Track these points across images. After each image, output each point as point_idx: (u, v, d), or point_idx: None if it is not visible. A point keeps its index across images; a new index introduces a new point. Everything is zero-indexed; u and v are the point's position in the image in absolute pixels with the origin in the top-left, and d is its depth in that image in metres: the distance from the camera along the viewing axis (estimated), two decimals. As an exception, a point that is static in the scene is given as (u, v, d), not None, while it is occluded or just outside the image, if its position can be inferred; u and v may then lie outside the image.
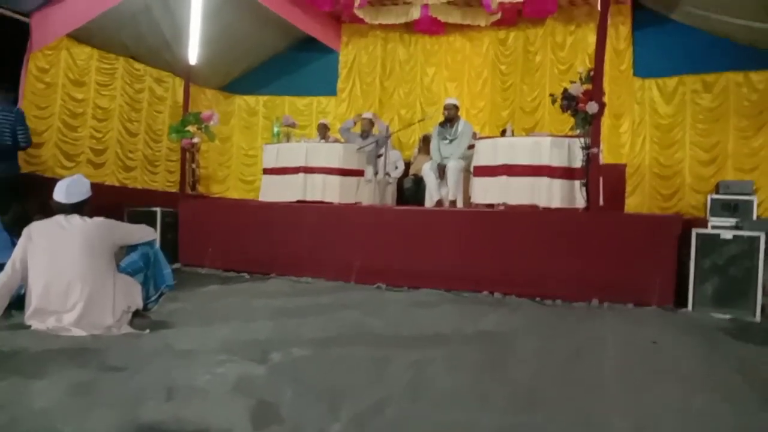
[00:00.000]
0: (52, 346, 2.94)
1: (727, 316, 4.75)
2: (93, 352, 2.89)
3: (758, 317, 4.73)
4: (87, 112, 8.01)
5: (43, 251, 3.27)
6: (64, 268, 3.23)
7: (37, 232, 3.33)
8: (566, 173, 5.79)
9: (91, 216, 3.44)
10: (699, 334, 4.12)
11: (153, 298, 3.71)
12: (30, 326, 3.26)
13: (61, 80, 7.63)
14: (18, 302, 3.41)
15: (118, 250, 3.54)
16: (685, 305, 4.95)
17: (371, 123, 8.31)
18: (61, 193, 3.38)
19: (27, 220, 3.55)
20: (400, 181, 8.20)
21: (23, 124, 6.08)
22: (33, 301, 3.26)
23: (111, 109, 8.32)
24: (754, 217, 6.48)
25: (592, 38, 7.70)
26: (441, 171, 6.85)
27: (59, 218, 3.35)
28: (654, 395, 2.59)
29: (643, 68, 8.39)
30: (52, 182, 3.65)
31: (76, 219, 3.34)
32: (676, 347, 3.64)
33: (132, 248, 3.65)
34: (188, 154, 7.40)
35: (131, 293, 3.46)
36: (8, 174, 5.88)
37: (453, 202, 6.76)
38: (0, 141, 5.85)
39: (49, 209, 3.43)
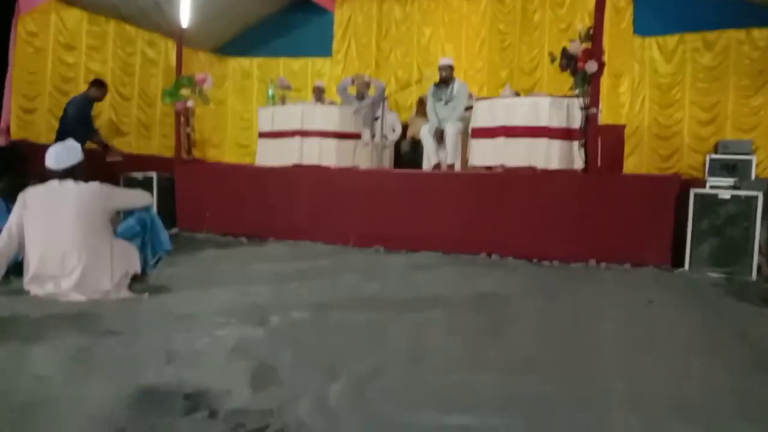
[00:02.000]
0: (51, 312, 2.95)
1: (724, 276, 4.77)
2: (92, 317, 2.90)
3: (754, 276, 4.77)
4: (79, 77, 7.88)
5: (38, 217, 3.27)
6: (61, 233, 3.22)
7: (32, 199, 3.32)
8: (565, 134, 5.74)
9: (86, 180, 3.41)
10: (696, 294, 4.16)
11: (151, 263, 3.71)
12: (29, 292, 3.27)
13: (51, 44, 7.49)
14: (16, 268, 3.41)
15: (114, 215, 3.53)
16: (682, 265, 4.98)
17: (367, 84, 8.19)
18: (51, 160, 3.36)
19: (21, 188, 3.52)
20: (397, 145, 8.13)
21: (80, 107, 6.65)
22: (31, 268, 3.26)
23: (103, 73, 8.17)
24: (753, 177, 6.47)
25: (591, -4, 7.54)
26: (439, 135, 6.76)
27: (53, 183, 3.33)
28: (651, 357, 2.61)
29: (643, 26, 8.24)
30: (44, 149, 3.60)
31: (70, 184, 3.32)
32: (672, 308, 3.67)
33: (128, 213, 3.64)
34: (183, 118, 7.31)
35: (129, 258, 3.46)
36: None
37: (451, 166, 6.70)
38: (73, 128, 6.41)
39: (43, 176, 3.40)
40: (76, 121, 6.59)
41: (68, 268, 3.21)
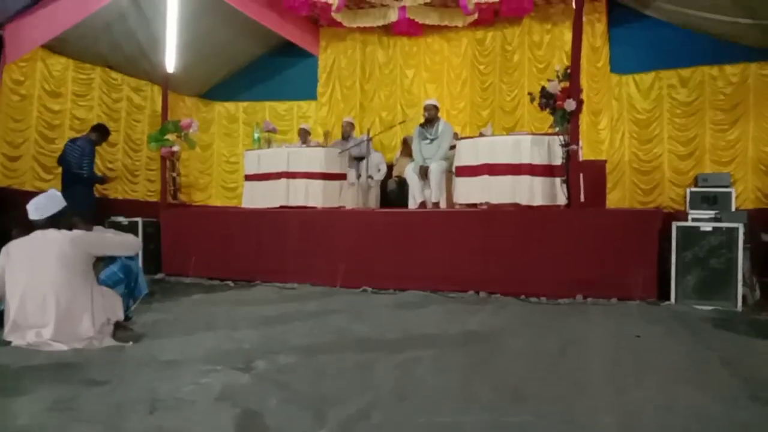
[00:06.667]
0: (32, 362, 2.90)
1: (710, 307, 4.80)
2: (74, 367, 2.85)
3: (740, 307, 4.80)
4: (64, 124, 7.91)
5: (20, 266, 3.25)
6: (41, 282, 3.20)
7: (15, 249, 3.32)
8: (547, 171, 5.82)
9: (70, 228, 3.40)
10: (683, 326, 4.16)
11: (132, 308, 3.69)
12: (10, 342, 3.21)
13: (37, 92, 7.53)
14: (-1, 319, 3.36)
15: (96, 261, 3.50)
16: (668, 298, 5.01)
17: (352, 126, 8.30)
18: (32, 211, 3.39)
19: (4, 235, 3.51)
20: (383, 184, 8.20)
21: (87, 155, 6.89)
22: (11, 316, 3.23)
23: (89, 120, 8.21)
24: (733, 208, 6.57)
25: (568, 36, 7.76)
26: (423, 172, 6.85)
27: (37, 233, 3.34)
28: (639, 391, 2.60)
29: (619, 64, 8.47)
30: (29, 196, 3.62)
31: (52, 233, 3.32)
32: (660, 341, 3.67)
33: (111, 259, 3.61)
34: (168, 162, 7.35)
35: (111, 305, 3.42)
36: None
37: (436, 204, 6.77)
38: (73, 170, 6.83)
39: (27, 224, 3.41)
40: (77, 164, 6.79)
41: (48, 315, 3.17)
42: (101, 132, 7.25)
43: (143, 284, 3.75)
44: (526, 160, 5.84)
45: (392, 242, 5.91)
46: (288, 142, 8.52)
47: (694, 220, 5.70)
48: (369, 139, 7.37)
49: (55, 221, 3.37)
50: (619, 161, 8.41)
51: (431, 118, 7.02)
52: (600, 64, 8.49)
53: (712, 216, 5.80)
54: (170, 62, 7.56)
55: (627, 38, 8.39)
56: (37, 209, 3.37)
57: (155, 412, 2.22)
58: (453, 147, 6.85)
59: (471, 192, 6.18)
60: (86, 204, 6.59)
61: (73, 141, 7.05)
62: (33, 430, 2.05)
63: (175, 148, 7.29)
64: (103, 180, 7.60)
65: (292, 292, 5.80)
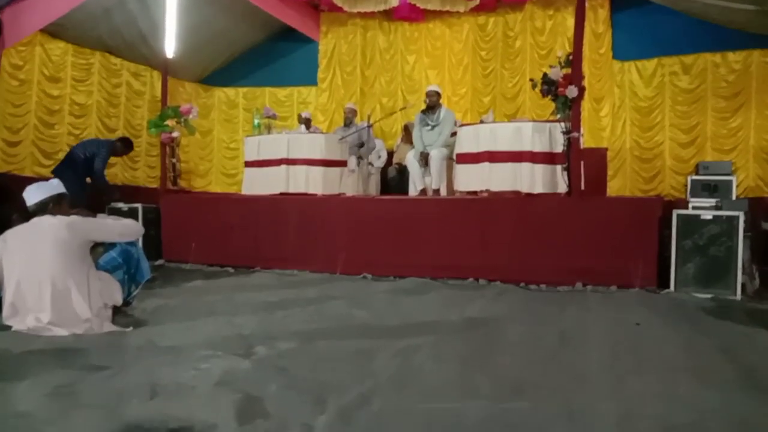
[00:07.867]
0: (32, 347, 2.91)
1: (709, 296, 4.81)
2: (75, 352, 2.86)
3: (739, 295, 4.80)
4: (64, 109, 7.89)
5: (17, 252, 3.26)
6: (37, 266, 3.21)
7: (12, 236, 3.34)
8: (548, 158, 5.79)
9: (67, 213, 3.40)
10: (682, 315, 4.17)
11: (134, 293, 3.70)
12: (10, 327, 3.23)
13: (36, 77, 7.51)
14: (-1, 305, 3.37)
15: (95, 246, 3.50)
16: (668, 286, 5.01)
17: (354, 112, 8.27)
18: (25, 197, 3.41)
19: (5, 220, 3.52)
20: (383, 171, 8.18)
21: (103, 151, 6.67)
22: (8, 300, 3.25)
23: (88, 105, 8.20)
24: (734, 196, 6.56)
25: (570, 22, 7.70)
26: (424, 159, 6.84)
27: (33, 220, 3.36)
28: (638, 380, 2.60)
29: (622, 51, 8.42)
30: (29, 181, 3.63)
31: (48, 219, 3.33)
32: (659, 329, 3.68)
33: (111, 245, 3.62)
34: (168, 148, 7.33)
35: (108, 289, 3.43)
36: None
37: (436, 191, 6.76)
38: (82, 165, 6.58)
39: (26, 209, 3.42)
40: (90, 153, 6.61)
41: (45, 300, 3.18)
42: (126, 144, 7.06)
43: (145, 269, 3.74)
44: (527, 148, 5.82)
45: (392, 229, 5.91)
46: (288, 129, 8.49)
47: (694, 208, 5.68)
48: (369, 126, 7.34)
49: (46, 206, 3.37)
50: (620, 149, 8.39)
51: (433, 105, 7.00)
52: (602, 50, 8.45)
53: (713, 204, 5.77)
54: (170, 47, 7.51)
55: (629, 25, 8.34)
56: (28, 196, 3.40)
57: (156, 397, 2.23)
58: (454, 134, 6.83)
59: (471, 179, 6.16)
60: (72, 190, 6.49)
61: (96, 138, 7.03)
62: (34, 415, 2.06)
63: (175, 134, 7.26)
64: (111, 191, 7.21)
65: (291, 278, 5.81)
